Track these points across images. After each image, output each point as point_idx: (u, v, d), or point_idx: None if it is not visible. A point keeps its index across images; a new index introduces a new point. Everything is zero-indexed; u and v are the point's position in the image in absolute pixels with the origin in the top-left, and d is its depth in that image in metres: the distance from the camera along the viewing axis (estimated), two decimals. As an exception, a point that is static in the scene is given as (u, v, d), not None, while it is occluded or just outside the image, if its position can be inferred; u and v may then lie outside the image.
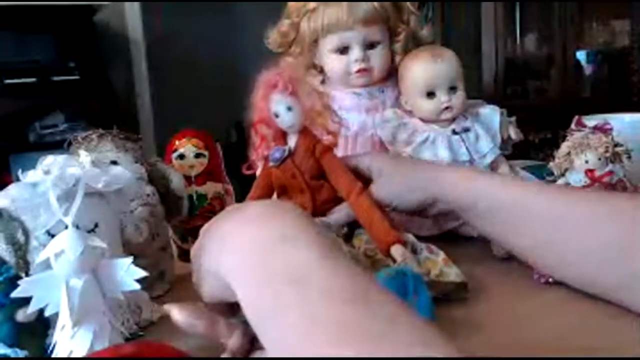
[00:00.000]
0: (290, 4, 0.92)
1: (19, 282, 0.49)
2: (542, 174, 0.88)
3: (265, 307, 0.37)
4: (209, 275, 0.48)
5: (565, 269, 0.60)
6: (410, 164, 0.75)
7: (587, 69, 3.54)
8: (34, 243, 0.54)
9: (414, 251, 0.63)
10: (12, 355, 0.51)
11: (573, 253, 0.57)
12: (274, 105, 0.66)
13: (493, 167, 0.85)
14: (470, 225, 0.69)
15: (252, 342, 0.46)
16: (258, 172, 0.76)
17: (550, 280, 0.64)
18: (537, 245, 0.61)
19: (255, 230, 0.42)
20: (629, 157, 0.73)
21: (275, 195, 0.72)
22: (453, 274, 0.62)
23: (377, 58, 0.91)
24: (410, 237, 0.65)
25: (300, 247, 0.38)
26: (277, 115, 0.66)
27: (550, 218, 0.59)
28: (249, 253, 0.41)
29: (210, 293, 0.49)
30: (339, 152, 0.77)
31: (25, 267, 0.54)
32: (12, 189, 0.55)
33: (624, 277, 0.54)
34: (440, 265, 0.62)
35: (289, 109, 0.65)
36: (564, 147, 0.74)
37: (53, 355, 0.50)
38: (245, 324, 0.44)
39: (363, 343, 0.31)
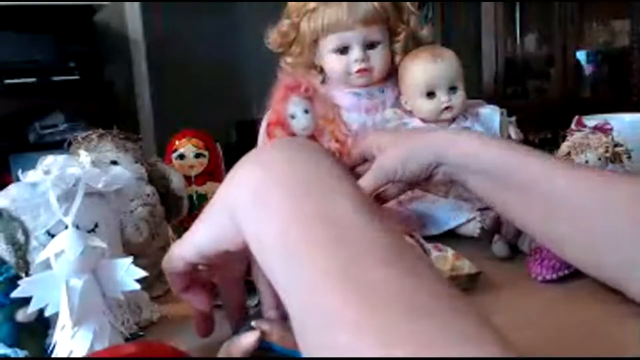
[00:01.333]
0: (290, 4, 0.92)
1: (19, 282, 0.49)
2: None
3: (287, 246, 0.32)
4: (214, 214, 0.41)
5: (566, 248, 0.59)
6: (408, 133, 0.74)
7: (587, 69, 3.53)
8: (34, 243, 0.54)
9: (425, 252, 0.64)
10: (12, 355, 0.51)
11: (578, 233, 0.56)
12: (291, 107, 0.69)
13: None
14: (471, 189, 0.65)
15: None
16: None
17: (548, 277, 0.64)
18: (537, 216, 0.59)
19: (286, 167, 0.36)
20: (629, 157, 0.73)
21: None
22: (466, 266, 0.63)
23: (377, 58, 0.91)
24: (420, 239, 0.66)
25: (337, 192, 0.33)
26: (293, 117, 0.69)
27: (556, 192, 0.57)
28: (276, 188, 0.35)
29: (206, 236, 0.41)
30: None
31: (25, 267, 0.54)
32: (12, 189, 0.55)
33: (625, 263, 0.53)
34: (451, 260, 0.63)
35: (306, 111, 0.68)
36: (564, 147, 0.74)
37: (53, 355, 0.50)
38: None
39: (400, 311, 0.26)
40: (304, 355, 0.29)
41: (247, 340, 0.46)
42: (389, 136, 0.70)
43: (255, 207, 0.35)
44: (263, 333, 0.46)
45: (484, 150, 0.61)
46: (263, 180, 0.36)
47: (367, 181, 0.64)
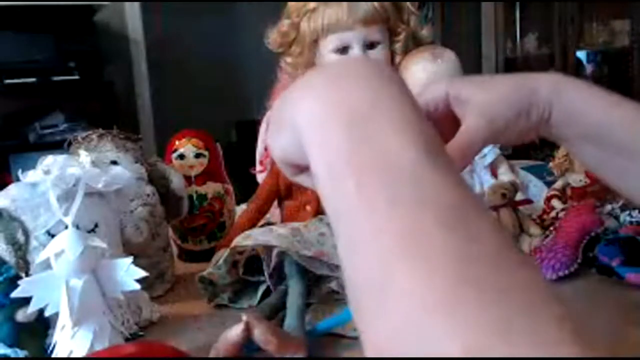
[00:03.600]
0: (290, 4, 0.92)
1: (19, 282, 0.49)
2: (542, 174, 0.88)
3: (344, 197, 0.29)
4: (285, 128, 0.37)
5: None
6: (497, 79, 0.51)
7: (587, 69, 3.54)
8: (34, 243, 0.54)
9: None
10: (12, 355, 0.51)
11: None
12: None
13: (493, 167, 0.85)
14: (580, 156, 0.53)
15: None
16: (260, 177, 0.78)
17: (548, 277, 0.64)
18: None
19: (348, 88, 0.32)
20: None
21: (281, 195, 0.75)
22: None
23: (377, 58, 0.91)
24: None
25: (398, 132, 0.29)
26: None
27: None
28: (334, 119, 0.31)
29: (282, 150, 0.39)
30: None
31: (25, 267, 0.54)
32: (12, 189, 0.55)
33: None
34: None
35: None
36: (564, 147, 0.74)
37: (53, 355, 0.50)
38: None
39: (457, 282, 0.24)
40: (357, 316, 0.27)
41: (232, 333, 0.47)
42: (469, 83, 0.50)
43: (313, 145, 0.32)
44: (248, 327, 0.47)
45: (590, 112, 0.48)
46: (320, 112, 0.33)
47: (467, 139, 0.47)
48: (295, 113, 0.34)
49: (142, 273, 0.51)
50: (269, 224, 0.78)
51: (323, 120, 0.32)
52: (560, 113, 0.48)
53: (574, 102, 0.48)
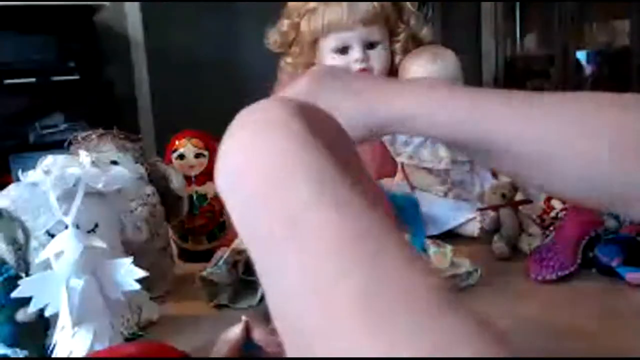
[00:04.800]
0: (290, 4, 0.93)
1: (19, 282, 0.49)
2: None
3: (261, 245, 0.33)
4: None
5: (553, 187, 0.50)
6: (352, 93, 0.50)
7: (587, 69, 3.53)
8: (34, 243, 0.54)
9: (424, 249, 0.64)
10: (12, 355, 0.51)
11: (558, 174, 0.48)
12: None
13: (493, 167, 0.85)
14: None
15: None
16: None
17: (548, 277, 0.64)
18: (517, 169, 0.49)
19: (250, 153, 0.36)
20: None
21: None
22: (465, 263, 0.65)
23: (377, 58, 0.91)
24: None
25: (297, 181, 0.33)
26: None
27: (524, 141, 0.47)
28: (242, 184, 0.36)
29: None
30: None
31: (25, 267, 0.54)
32: (12, 189, 0.55)
33: (616, 189, 0.49)
34: (450, 256, 0.65)
35: None
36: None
37: (53, 355, 0.50)
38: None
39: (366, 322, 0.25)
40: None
41: (232, 333, 0.47)
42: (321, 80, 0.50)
43: (229, 195, 0.36)
44: (248, 327, 0.47)
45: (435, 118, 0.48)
46: (239, 166, 0.36)
47: None
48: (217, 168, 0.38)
49: (142, 273, 0.51)
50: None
51: (237, 183, 0.36)
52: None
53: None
